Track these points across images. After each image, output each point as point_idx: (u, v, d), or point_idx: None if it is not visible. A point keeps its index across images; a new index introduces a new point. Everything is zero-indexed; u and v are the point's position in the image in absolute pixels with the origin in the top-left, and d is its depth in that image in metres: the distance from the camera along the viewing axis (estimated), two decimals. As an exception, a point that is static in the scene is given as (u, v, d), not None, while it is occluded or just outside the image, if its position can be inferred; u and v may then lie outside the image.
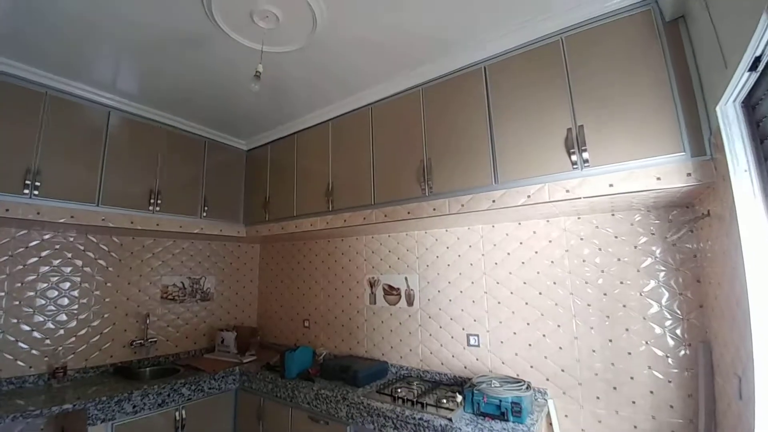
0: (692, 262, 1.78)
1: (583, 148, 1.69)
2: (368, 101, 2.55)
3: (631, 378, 1.84)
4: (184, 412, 2.47)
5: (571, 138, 1.73)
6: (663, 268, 1.83)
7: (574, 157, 1.72)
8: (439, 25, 1.92)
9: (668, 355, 1.77)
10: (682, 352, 1.74)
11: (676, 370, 1.75)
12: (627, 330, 1.88)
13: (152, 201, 2.69)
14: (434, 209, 2.15)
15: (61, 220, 2.26)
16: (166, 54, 2.13)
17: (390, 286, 2.78)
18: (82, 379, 2.51)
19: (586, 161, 1.68)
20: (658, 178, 1.52)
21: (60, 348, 2.50)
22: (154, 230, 2.75)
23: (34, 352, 2.40)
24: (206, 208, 3.04)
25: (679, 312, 1.77)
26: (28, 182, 2.14)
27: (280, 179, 3.11)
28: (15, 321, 2.36)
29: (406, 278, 2.71)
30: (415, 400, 1.96)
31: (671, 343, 1.77)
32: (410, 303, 2.66)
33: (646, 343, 1.82)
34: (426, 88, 2.30)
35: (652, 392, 1.79)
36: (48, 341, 2.47)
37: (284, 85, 2.48)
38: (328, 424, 2.21)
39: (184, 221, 2.89)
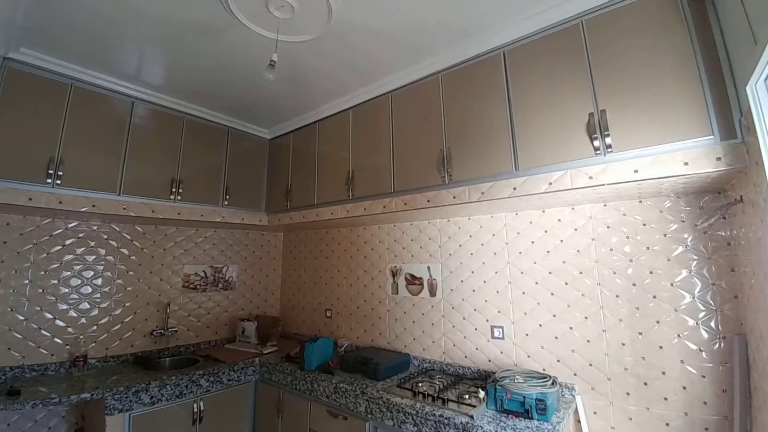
0: (725, 250, 1.74)
1: (605, 133, 1.68)
2: (387, 89, 2.60)
3: (663, 373, 1.81)
4: (202, 403, 2.54)
5: (593, 123, 1.73)
6: (695, 257, 1.80)
7: (596, 143, 1.71)
8: (457, 11, 1.95)
9: (702, 348, 1.74)
10: (717, 346, 1.71)
11: (710, 365, 1.71)
12: (658, 322, 1.85)
13: (174, 190, 2.78)
14: (454, 197, 2.17)
15: (83, 209, 2.36)
16: (186, 45, 2.22)
17: (412, 276, 2.81)
18: (103, 368, 2.61)
19: (609, 147, 1.67)
20: (686, 163, 1.50)
21: (81, 336, 2.60)
22: (176, 219, 2.83)
23: (56, 340, 2.51)
24: (228, 197, 3.13)
25: (712, 303, 1.74)
26: (51, 171, 2.24)
27: (301, 168, 3.19)
28: (38, 309, 2.46)
29: (428, 267, 2.73)
30: (436, 395, 1.97)
31: (705, 335, 1.74)
32: (433, 293, 2.68)
33: (679, 336, 1.79)
34: (445, 75, 2.33)
35: (684, 388, 1.75)
36: (70, 329, 2.57)
37: (302, 75, 2.55)
38: (346, 419, 2.23)
39: (206, 210, 2.98)
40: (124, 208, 2.52)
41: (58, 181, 2.27)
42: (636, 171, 1.60)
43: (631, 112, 1.65)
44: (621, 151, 1.65)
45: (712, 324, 1.73)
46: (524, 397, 1.76)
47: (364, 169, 2.69)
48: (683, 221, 1.85)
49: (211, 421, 2.59)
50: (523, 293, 2.28)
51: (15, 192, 2.12)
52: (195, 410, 2.50)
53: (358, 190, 2.68)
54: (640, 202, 1.97)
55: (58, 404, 2.07)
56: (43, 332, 2.47)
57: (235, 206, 3.19)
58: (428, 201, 2.27)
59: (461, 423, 1.74)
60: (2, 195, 2.08)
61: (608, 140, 1.67)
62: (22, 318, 2.39)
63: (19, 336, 2.37)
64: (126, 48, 2.25)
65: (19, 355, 2.36)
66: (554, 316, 2.15)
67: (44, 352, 2.46)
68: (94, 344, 2.66)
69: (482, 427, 1.68)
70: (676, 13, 1.59)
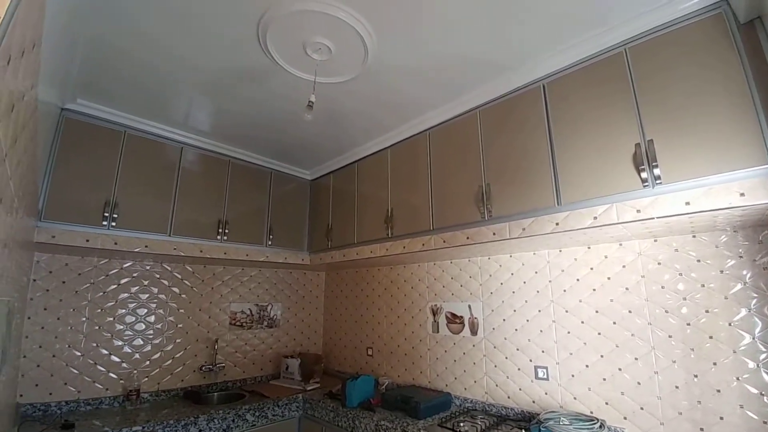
0: (787, 287, 1.76)
1: (653, 164, 1.72)
2: (425, 127, 2.81)
3: (721, 418, 1.83)
4: (248, 438, 2.80)
5: (640, 154, 1.78)
6: (755, 295, 1.82)
7: (644, 174, 1.75)
8: (493, 47, 2.10)
9: (763, 392, 1.75)
10: (780, 390, 1.73)
11: (772, 410, 1.73)
12: (715, 364, 1.88)
13: (220, 230, 3.13)
14: (494, 234, 2.29)
15: (137, 250, 2.68)
16: (230, 92, 2.54)
17: (453, 314, 2.97)
18: (155, 402, 2.92)
19: (658, 178, 1.71)
20: (742, 194, 1.52)
21: (135, 371, 2.92)
22: (223, 258, 3.17)
23: (111, 374, 2.84)
24: (271, 237, 3.47)
25: (774, 344, 1.76)
26: (106, 214, 2.57)
27: (342, 207, 3.47)
28: (94, 345, 2.80)
29: (469, 306, 2.88)
30: (478, 435, 2.11)
31: (767, 379, 1.75)
32: (474, 332, 2.82)
33: (738, 379, 1.81)
34: (483, 111, 2.49)
35: (745, 434, 1.78)
36: (124, 364, 2.91)
37: (340, 115, 2.81)
38: (388, 456, 2.41)
39: (251, 250, 3.32)
40: (175, 248, 2.86)
41: (114, 223, 2.59)
42: (688, 203, 1.63)
43: (680, 141, 1.69)
44: (671, 183, 1.69)
45: (775, 367, 1.74)
46: None
47: (402, 207, 2.88)
48: (741, 257, 1.87)
49: (257, 455, 2.83)
50: (569, 332, 2.37)
51: (73, 234, 2.44)
52: (241, 444, 2.76)
53: (397, 229, 2.88)
54: (694, 236, 2.01)
55: (110, 437, 2.34)
56: (99, 367, 2.79)
57: (278, 246, 3.52)
58: (468, 238, 2.42)
59: None
60: (62, 237, 2.39)
61: (656, 171, 1.71)
62: (78, 354, 2.72)
63: (75, 371, 2.68)
64: (175, 97, 2.59)
65: (75, 389, 2.66)
66: (602, 356, 2.22)
67: (99, 386, 2.77)
68: (146, 379, 2.99)
69: None
70: (724, 36, 1.65)
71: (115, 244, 2.60)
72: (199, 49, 2.13)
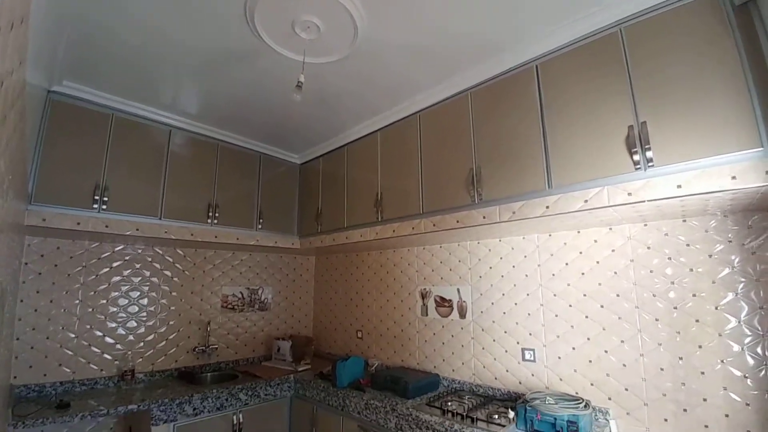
0: (775, 272, 1.76)
1: (646, 146, 1.70)
2: (415, 109, 2.76)
3: (704, 399, 1.86)
4: (241, 416, 2.86)
5: (633, 136, 1.76)
6: (742, 279, 1.83)
7: (636, 157, 1.73)
8: (486, 25, 2.04)
9: (747, 375, 1.78)
10: (763, 372, 1.74)
11: (755, 392, 1.75)
12: (700, 347, 1.90)
13: (210, 214, 3.12)
14: (484, 217, 2.28)
15: (128, 233, 2.67)
16: (218, 73, 2.48)
17: (442, 298, 2.99)
18: (149, 382, 2.97)
19: (651, 161, 1.69)
20: (733, 177, 1.51)
21: (129, 352, 2.97)
22: (213, 242, 3.18)
23: (105, 355, 2.88)
24: (261, 221, 3.47)
25: (759, 328, 1.77)
26: (96, 197, 2.56)
27: (331, 191, 3.44)
28: (88, 327, 2.83)
29: (458, 290, 2.89)
30: (465, 414, 2.14)
31: (750, 362, 1.78)
32: (463, 315, 2.84)
33: (722, 361, 1.84)
34: (474, 92, 2.44)
35: (727, 416, 1.80)
36: (119, 346, 2.95)
37: (330, 97, 2.76)
38: (377, 434, 2.47)
39: (241, 233, 3.32)
40: (166, 232, 2.85)
41: (104, 206, 2.58)
42: (679, 186, 1.62)
43: (673, 123, 1.67)
44: (663, 165, 1.67)
45: (759, 350, 1.76)
46: (555, 419, 1.87)
47: (392, 191, 2.87)
48: (730, 241, 1.88)
49: (250, 432, 2.91)
50: (556, 316, 2.39)
51: (64, 217, 2.43)
52: (234, 422, 2.82)
53: (387, 212, 2.87)
54: (684, 221, 2.01)
55: (106, 415, 2.37)
56: (93, 349, 2.83)
57: (268, 230, 3.52)
58: (457, 222, 2.41)
59: None
60: (53, 220, 2.39)
61: (649, 154, 1.69)
62: (72, 335, 2.75)
63: (69, 353, 2.72)
64: (162, 78, 2.53)
65: (70, 370, 2.70)
66: (588, 339, 2.25)
67: (94, 367, 2.82)
68: (141, 360, 3.03)
69: None
70: (719, 18, 1.62)
71: (106, 227, 2.59)
72: (186, 28, 2.07)
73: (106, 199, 2.60)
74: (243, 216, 3.36)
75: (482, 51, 2.26)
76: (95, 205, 2.56)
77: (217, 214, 3.15)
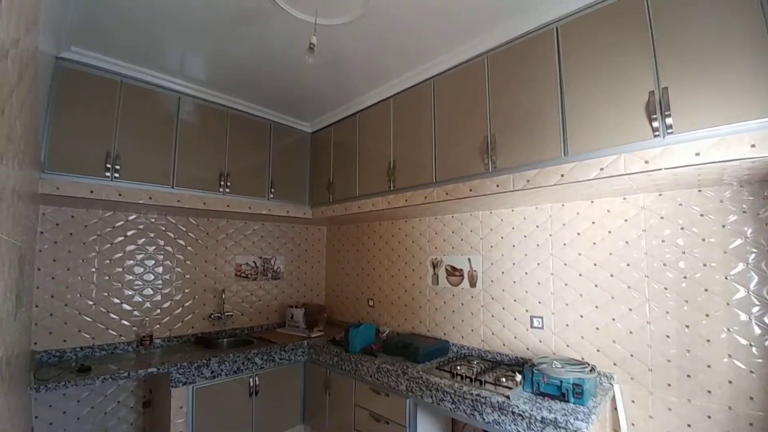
0: (788, 243, 1.77)
1: (666, 113, 1.66)
2: (430, 74, 2.69)
3: (708, 366, 1.91)
4: (257, 379, 2.97)
5: (653, 102, 1.71)
6: (754, 250, 1.84)
7: (655, 124, 1.69)
8: None
9: (752, 343, 1.81)
10: (769, 341, 1.79)
11: (760, 360, 1.79)
12: (707, 316, 1.93)
13: (222, 183, 3.12)
14: (498, 186, 2.26)
15: (141, 201, 2.68)
16: (226, 35, 2.39)
17: (453, 267, 3.02)
18: (167, 347, 3.07)
19: (670, 127, 1.66)
20: (753, 146, 1.48)
21: (147, 319, 3.05)
22: (226, 211, 3.19)
23: (123, 322, 2.96)
24: (273, 190, 3.46)
25: (768, 298, 1.80)
26: (108, 165, 2.55)
27: (343, 160, 3.42)
28: (106, 294, 2.89)
29: (469, 259, 2.92)
30: (474, 377, 2.21)
31: (757, 331, 1.81)
32: (473, 284, 2.88)
33: (728, 330, 1.87)
34: (492, 56, 2.36)
35: (730, 382, 1.85)
36: (136, 313, 3.02)
37: (342, 60, 2.66)
38: (388, 396, 2.56)
39: (253, 203, 3.32)
40: (178, 201, 2.86)
41: (116, 175, 2.58)
42: (698, 154, 1.59)
43: (695, 89, 1.62)
44: (682, 133, 1.64)
45: (766, 319, 1.79)
46: (561, 382, 1.92)
47: (405, 160, 2.84)
48: (744, 212, 1.87)
49: (266, 394, 3.03)
50: (566, 285, 2.42)
51: (78, 185, 2.44)
52: (251, 385, 2.94)
53: (399, 181, 2.85)
54: (699, 191, 2.00)
55: (127, 378, 2.47)
56: (111, 315, 2.91)
57: (280, 199, 3.52)
58: (470, 190, 2.39)
59: (497, 402, 1.96)
60: (66, 188, 2.40)
61: (669, 120, 1.65)
62: (90, 303, 2.82)
63: (88, 319, 2.80)
64: (169, 40, 2.45)
65: (89, 336, 2.80)
66: (597, 307, 2.29)
67: (113, 333, 2.90)
68: (158, 326, 3.12)
69: (518, 407, 1.88)
70: None
71: (120, 195, 2.60)
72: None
73: (118, 167, 2.60)
74: (255, 185, 3.36)
75: (501, 11, 2.16)
76: (107, 174, 2.56)
77: (228, 183, 3.15)
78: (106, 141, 2.58)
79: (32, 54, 1.38)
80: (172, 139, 2.89)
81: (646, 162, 1.73)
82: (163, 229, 3.22)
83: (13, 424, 1.47)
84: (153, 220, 3.17)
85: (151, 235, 3.15)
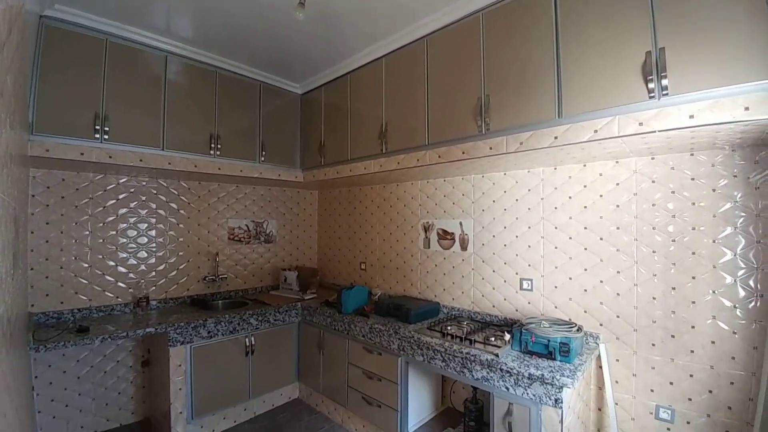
0: (776, 208, 1.75)
1: (662, 74, 1.61)
2: (423, 33, 2.58)
3: (692, 327, 1.94)
4: (253, 339, 3.00)
5: (650, 63, 1.65)
6: (743, 214, 1.83)
7: (651, 85, 1.64)
8: None
9: (736, 305, 1.83)
10: (753, 304, 1.80)
11: (743, 322, 1.81)
12: (693, 278, 1.94)
13: (213, 146, 3.04)
14: (491, 148, 2.21)
15: (131, 164, 2.61)
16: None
17: (444, 231, 3.00)
18: (163, 308, 3.08)
19: (665, 89, 1.61)
20: (746, 108, 1.45)
21: (142, 281, 3.04)
22: (217, 174, 3.12)
23: (119, 284, 2.95)
24: (264, 153, 3.38)
25: (754, 261, 1.80)
26: (97, 127, 2.47)
27: (334, 122, 3.32)
28: (100, 257, 2.87)
29: (460, 223, 2.90)
30: (464, 337, 2.24)
31: (741, 293, 1.82)
32: (464, 247, 2.87)
33: (713, 292, 1.89)
34: (487, 14, 2.25)
35: (713, 342, 1.88)
36: (131, 275, 3.01)
37: (334, 14, 2.50)
38: (381, 354, 2.59)
39: (244, 166, 3.25)
40: (169, 163, 2.79)
41: (106, 137, 2.50)
42: (692, 116, 1.55)
43: (692, 51, 1.57)
44: (677, 95, 1.59)
45: (751, 282, 1.80)
46: (549, 341, 1.96)
47: (397, 122, 2.76)
48: (735, 176, 1.86)
49: (262, 353, 3.07)
50: (556, 248, 2.41)
51: (67, 147, 2.37)
52: (247, 344, 2.97)
53: (391, 144, 2.78)
54: (692, 154, 1.97)
55: (125, 338, 2.49)
56: (107, 277, 2.90)
57: (271, 162, 3.44)
58: (463, 153, 2.34)
59: (486, 360, 1.99)
60: (56, 150, 2.33)
61: (665, 82, 1.60)
62: (86, 265, 2.80)
63: (84, 281, 2.79)
64: None
65: (86, 298, 2.79)
66: (585, 270, 2.29)
67: (109, 294, 2.90)
68: (154, 288, 3.12)
69: (506, 364, 1.92)
70: None
71: (110, 157, 2.53)
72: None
73: (107, 129, 2.51)
74: (245, 148, 3.28)
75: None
76: (97, 135, 2.47)
77: (219, 146, 3.07)
78: (93, 102, 2.48)
79: (19, 9, 1.30)
80: (160, 100, 2.79)
81: (641, 124, 1.69)
82: (155, 192, 3.16)
83: (16, 380, 1.47)
84: (144, 183, 3.10)
85: (143, 198, 3.09)
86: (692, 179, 1.97)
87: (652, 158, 2.09)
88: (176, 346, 2.60)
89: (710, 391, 1.89)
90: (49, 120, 2.32)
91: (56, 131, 2.34)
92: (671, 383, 2.00)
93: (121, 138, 2.58)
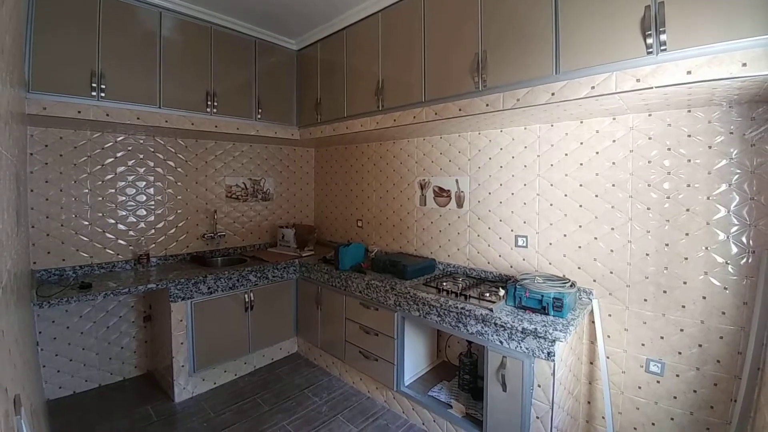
0: (770, 165, 1.70)
1: (661, 29, 1.54)
2: (422, -15, 2.42)
3: (684, 283, 1.92)
4: (252, 295, 3.00)
5: (649, 17, 1.57)
6: (738, 171, 1.79)
7: (649, 40, 1.57)
8: None
9: (728, 261, 1.81)
10: (744, 260, 1.78)
11: (734, 278, 1.80)
12: (686, 235, 1.91)
13: (209, 103, 2.93)
14: (487, 105, 2.13)
15: (128, 122, 2.53)
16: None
17: (440, 188, 2.95)
18: (164, 265, 3.06)
19: (663, 44, 1.54)
20: (744, 65, 1.39)
21: (142, 238, 3.01)
22: (214, 132, 3.03)
23: (120, 241, 2.92)
24: (260, 111, 3.27)
25: (747, 218, 1.77)
26: (94, 85, 2.38)
27: (330, 79, 3.20)
28: (100, 215, 2.83)
29: (456, 180, 2.84)
30: (459, 292, 2.23)
31: (734, 249, 1.80)
32: (460, 205, 2.82)
33: (706, 248, 1.86)
34: (487, -35, 2.11)
35: (704, 297, 1.87)
36: (131, 232, 2.98)
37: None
38: (377, 310, 2.59)
39: (241, 123, 3.15)
40: (166, 121, 2.71)
41: (102, 95, 2.41)
42: (689, 72, 1.50)
43: (690, 5, 1.49)
44: (675, 50, 1.52)
45: (744, 238, 1.78)
46: (542, 296, 1.95)
47: (394, 79, 2.66)
48: (731, 133, 1.80)
49: (261, 309, 3.08)
50: (551, 205, 2.37)
51: (64, 105, 2.28)
52: (246, 300, 2.97)
53: (388, 101, 2.69)
54: (689, 111, 1.90)
55: (128, 294, 2.49)
56: (108, 235, 2.86)
57: (267, 120, 3.34)
58: (460, 110, 2.26)
59: (481, 315, 1.99)
60: (53, 108, 2.25)
61: (663, 37, 1.53)
62: (86, 223, 2.76)
63: (85, 239, 2.75)
64: None
65: (88, 255, 2.77)
66: (580, 226, 2.25)
67: (110, 252, 2.88)
68: (154, 245, 3.09)
69: (500, 318, 1.92)
70: None
71: (107, 115, 2.45)
72: None
73: (103, 86, 2.42)
74: (242, 106, 3.17)
75: None
76: (94, 93, 2.38)
77: (216, 104, 2.96)
78: (89, 60, 2.38)
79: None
80: (155, 57, 2.67)
81: (638, 80, 1.63)
82: (152, 150, 3.07)
83: (22, 334, 1.45)
84: (141, 141, 3.01)
85: (141, 156, 3.01)
86: (689, 136, 1.90)
87: (649, 115, 2.01)
88: (177, 301, 2.60)
89: (700, 345, 1.90)
90: (45, 77, 2.23)
91: (53, 89, 2.26)
92: (662, 337, 2.00)
93: (117, 96, 2.49)
